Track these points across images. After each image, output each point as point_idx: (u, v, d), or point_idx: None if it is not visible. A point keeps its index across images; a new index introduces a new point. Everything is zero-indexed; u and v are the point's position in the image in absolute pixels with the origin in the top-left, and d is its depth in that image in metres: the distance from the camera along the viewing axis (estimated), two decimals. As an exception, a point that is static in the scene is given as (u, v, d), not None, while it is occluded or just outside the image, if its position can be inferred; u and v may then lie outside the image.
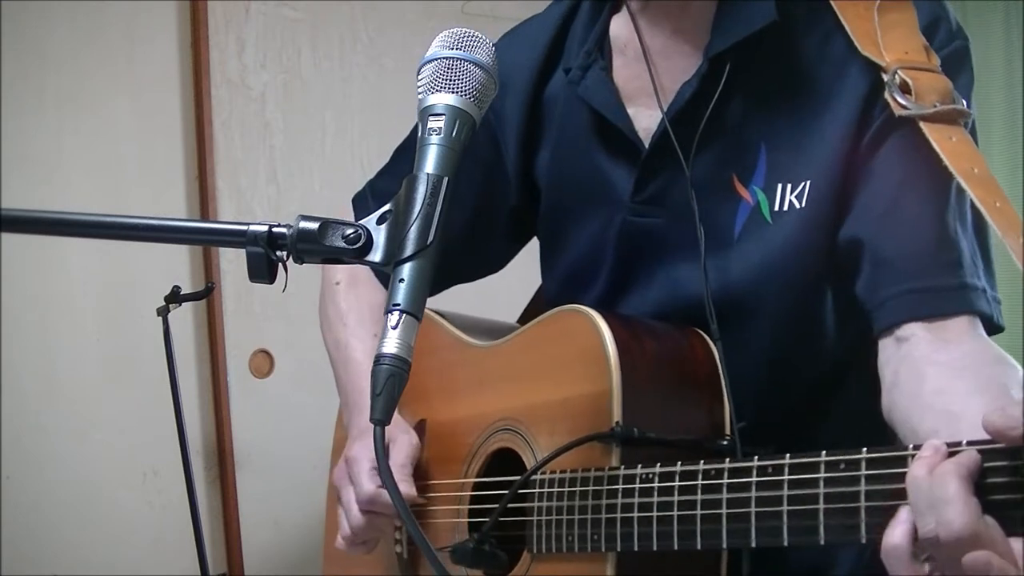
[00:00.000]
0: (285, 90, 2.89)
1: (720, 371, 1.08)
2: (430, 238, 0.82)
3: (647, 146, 1.15)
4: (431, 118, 0.88)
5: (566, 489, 1.06)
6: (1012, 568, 0.68)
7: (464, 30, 0.92)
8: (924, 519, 0.73)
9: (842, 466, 0.81)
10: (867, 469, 0.79)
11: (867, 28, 1.06)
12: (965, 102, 1.01)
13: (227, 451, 2.75)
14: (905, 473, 0.76)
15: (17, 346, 2.50)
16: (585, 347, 1.08)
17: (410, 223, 0.82)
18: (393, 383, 0.78)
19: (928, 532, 0.72)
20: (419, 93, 0.90)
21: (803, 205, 1.08)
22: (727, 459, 0.91)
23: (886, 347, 1.03)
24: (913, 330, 1.00)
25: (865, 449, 0.80)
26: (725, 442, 1.05)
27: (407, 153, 1.39)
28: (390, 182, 1.38)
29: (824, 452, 0.83)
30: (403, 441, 1.26)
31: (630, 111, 1.17)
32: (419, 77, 0.91)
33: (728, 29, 1.10)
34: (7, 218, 0.85)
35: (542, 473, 1.09)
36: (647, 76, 1.15)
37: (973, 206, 0.99)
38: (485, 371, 1.26)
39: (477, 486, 1.21)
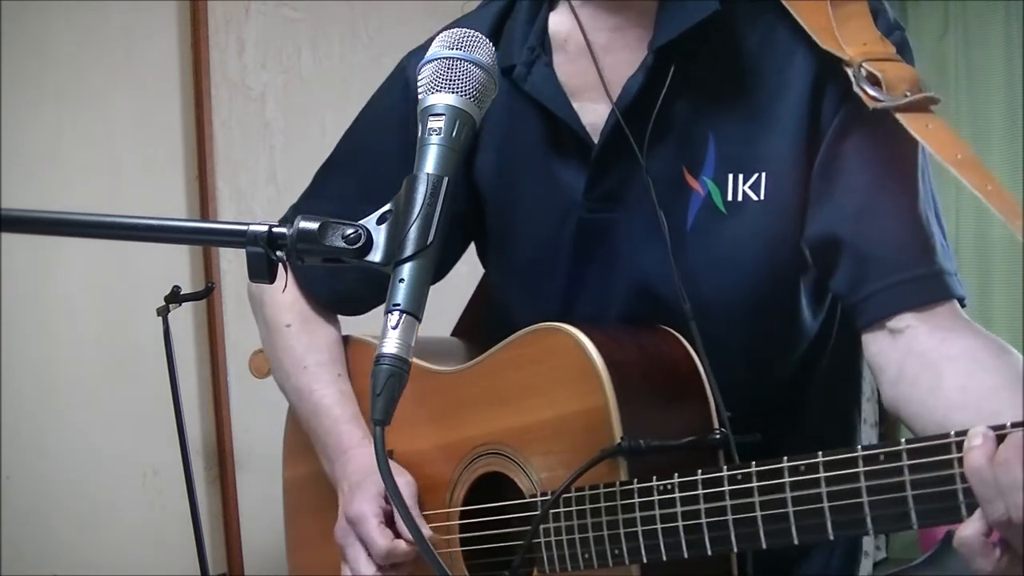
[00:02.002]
0: (285, 90, 2.89)
1: (701, 365, 1.08)
2: (430, 238, 0.82)
3: (597, 142, 1.14)
4: (431, 118, 0.88)
5: (575, 508, 1.05)
6: None
7: (464, 30, 0.92)
8: (992, 506, 0.76)
9: (882, 458, 0.83)
10: (909, 459, 0.82)
11: (823, 23, 1.06)
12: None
13: (227, 451, 2.75)
14: (952, 460, 0.79)
15: (17, 346, 2.50)
16: (571, 365, 1.07)
17: (410, 223, 0.82)
18: (393, 383, 0.77)
19: (999, 517, 0.76)
20: (419, 93, 0.90)
21: (761, 197, 1.09)
22: (753, 463, 0.92)
23: (877, 339, 1.04)
24: (907, 321, 1.01)
25: (904, 440, 0.82)
26: (718, 435, 1.05)
27: (326, 177, 1.39)
28: (315, 207, 1.33)
29: (860, 447, 0.85)
30: (401, 484, 1.22)
31: (576, 107, 1.16)
32: (419, 77, 0.91)
33: (672, 21, 1.10)
34: (7, 218, 0.85)
35: (545, 494, 1.08)
36: (592, 71, 1.15)
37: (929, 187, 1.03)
38: (457, 397, 1.23)
39: (465, 514, 1.19)
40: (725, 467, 0.94)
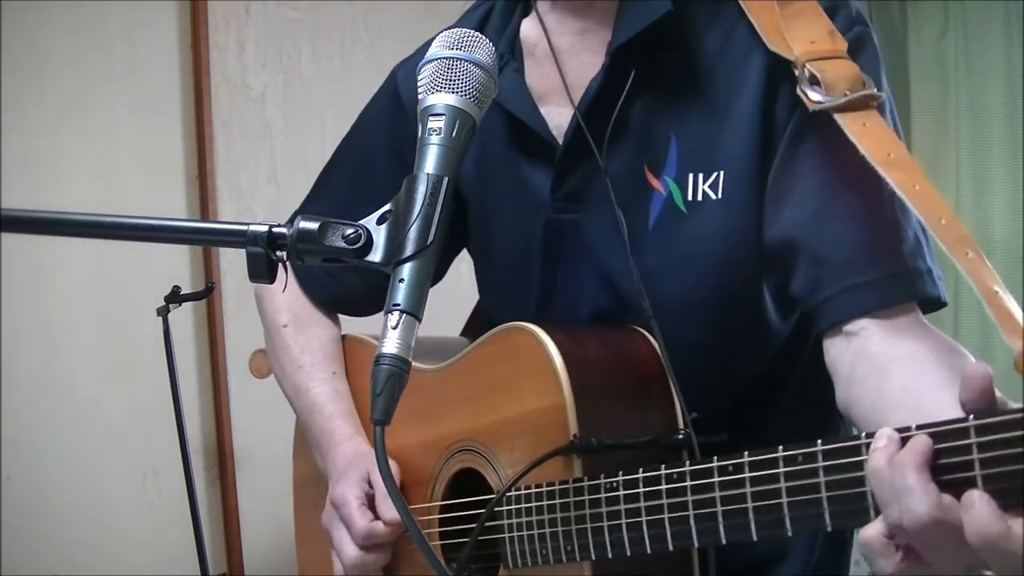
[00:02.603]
0: (285, 90, 2.89)
1: (665, 364, 1.09)
2: (430, 238, 0.82)
3: (561, 143, 1.15)
4: (431, 118, 0.88)
5: (533, 504, 1.06)
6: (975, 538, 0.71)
7: (464, 30, 0.93)
8: (889, 508, 0.76)
9: (800, 459, 0.83)
10: (824, 460, 0.81)
11: (773, 21, 1.07)
12: (876, 86, 1.01)
13: (227, 451, 2.75)
14: (861, 461, 0.79)
15: (17, 346, 2.50)
16: (532, 363, 1.08)
17: (410, 223, 0.82)
18: (393, 383, 0.78)
19: (894, 520, 0.75)
20: (419, 93, 0.90)
21: (719, 196, 1.09)
22: (687, 462, 0.93)
23: (835, 343, 1.04)
24: (862, 324, 1.01)
25: (820, 441, 0.82)
26: (680, 436, 1.06)
27: (327, 179, 1.41)
28: (322, 207, 1.35)
29: (781, 447, 0.85)
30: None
31: (543, 111, 1.17)
32: (419, 77, 0.91)
33: (628, 23, 1.11)
34: (7, 218, 0.85)
35: (508, 492, 1.10)
36: (556, 75, 1.16)
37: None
38: (437, 395, 1.25)
39: (444, 509, 1.21)
40: (663, 466, 0.94)
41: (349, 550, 1.21)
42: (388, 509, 1.19)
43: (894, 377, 0.96)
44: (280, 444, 2.77)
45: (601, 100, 1.12)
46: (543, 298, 1.21)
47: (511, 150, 1.20)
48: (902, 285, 1.02)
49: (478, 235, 1.29)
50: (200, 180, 2.77)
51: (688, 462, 0.92)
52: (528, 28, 1.21)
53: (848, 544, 1.26)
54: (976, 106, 3.61)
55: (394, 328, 0.79)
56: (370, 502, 1.21)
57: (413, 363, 1.29)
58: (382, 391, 0.78)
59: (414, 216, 0.83)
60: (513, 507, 1.09)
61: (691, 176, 1.10)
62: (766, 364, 1.18)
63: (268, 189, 2.86)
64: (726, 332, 1.14)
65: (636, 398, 1.10)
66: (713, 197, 1.09)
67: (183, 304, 2.41)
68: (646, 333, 1.12)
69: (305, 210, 1.40)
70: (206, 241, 0.97)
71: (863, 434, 0.80)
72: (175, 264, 2.71)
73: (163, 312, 2.38)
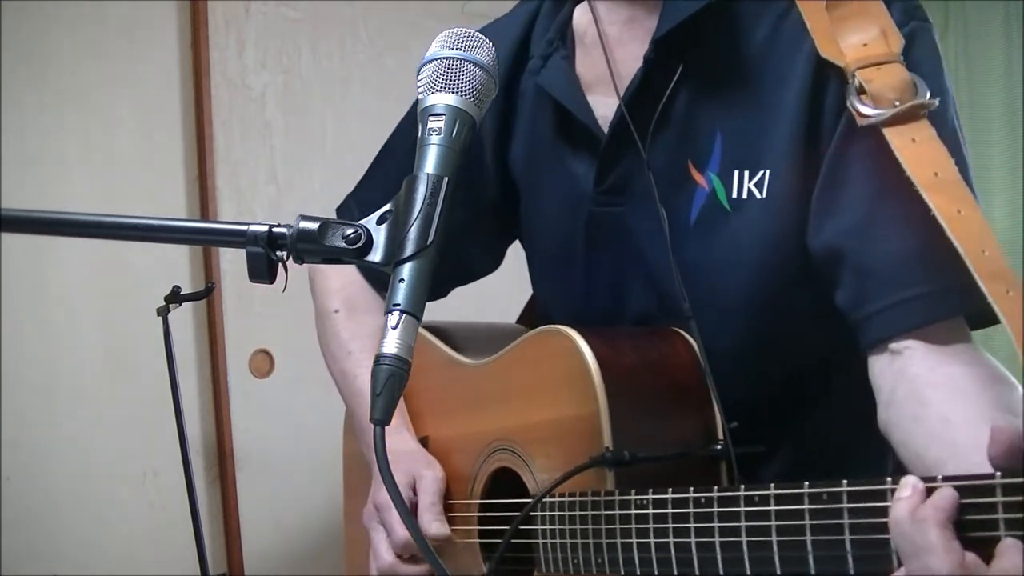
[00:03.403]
0: (285, 90, 2.89)
1: (705, 370, 1.07)
2: (430, 238, 0.82)
3: (606, 134, 1.14)
4: (431, 118, 0.88)
5: (567, 512, 1.05)
6: None
7: (464, 30, 0.92)
8: (910, 563, 0.73)
9: (825, 497, 0.81)
10: (849, 502, 0.79)
11: (823, 20, 1.03)
12: (931, 88, 0.97)
13: (227, 451, 2.75)
14: (886, 508, 0.76)
15: (17, 346, 2.50)
16: (569, 368, 1.08)
17: (410, 223, 0.82)
18: (393, 383, 0.77)
19: (915, 572, 0.73)
20: (419, 93, 0.90)
21: (764, 195, 1.07)
22: (715, 488, 0.90)
23: (879, 360, 1.01)
24: (907, 343, 0.98)
25: (845, 481, 0.80)
26: (718, 447, 1.04)
27: (385, 160, 1.38)
28: (372, 190, 1.36)
29: (807, 483, 0.82)
30: (429, 478, 1.23)
31: (590, 100, 1.16)
32: (419, 77, 0.91)
33: (672, 13, 1.09)
34: (7, 218, 0.85)
35: (542, 500, 1.08)
36: (604, 64, 1.15)
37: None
38: (478, 390, 1.25)
39: (483, 507, 1.21)
40: (692, 489, 0.92)
41: (385, 556, 1.20)
42: (430, 522, 1.18)
43: (932, 406, 0.93)
44: (280, 444, 2.79)
45: (644, 91, 1.10)
46: (587, 290, 1.20)
47: (557, 138, 1.19)
48: (952, 299, 0.97)
49: (526, 222, 1.28)
50: (200, 180, 2.77)
51: (716, 488, 0.90)
52: (580, 15, 1.19)
53: None
54: (976, 106, 3.60)
55: (394, 328, 0.78)
56: (413, 508, 1.20)
57: (457, 356, 1.31)
58: (382, 391, 0.77)
59: (414, 216, 0.82)
60: (547, 513, 1.08)
61: (736, 172, 1.08)
62: (803, 370, 1.15)
63: (268, 189, 2.86)
64: (764, 335, 1.11)
65: (672, 406, 1.08)
66: (758, 196, 1.07)
67: (183, 304, 2.41)
68: (685, 335, 1.10)
69: (359, 192, 1.39)
70: (206, 241, 0.96)
71: (888, 479, 0.77)
72: (175, 264, 2.71)
73: (163, 312, 2.38)
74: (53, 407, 2.55)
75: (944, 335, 0.98)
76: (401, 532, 1.17)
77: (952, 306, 0.98)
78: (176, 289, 2.38)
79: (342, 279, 1.39)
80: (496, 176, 1.28)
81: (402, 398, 1.32)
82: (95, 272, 2.63)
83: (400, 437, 1.28)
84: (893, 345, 0.99)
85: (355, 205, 1.38)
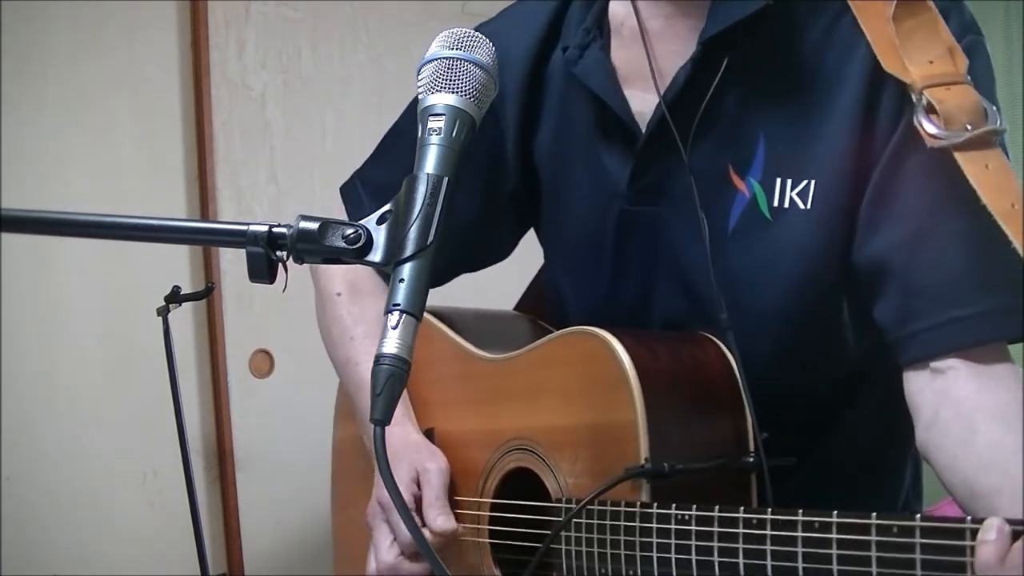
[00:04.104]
0: (285, 90, 2.89)
1: (740, 380, 1.05)
2: (430, 238, 0.82)
3: (644, 132, 1.12)
4: (431, 118, 0.87)
5: (596, 522, 1.03)
6: None
7: (464, 30, 0.92)
8: None
9: (895, 531, 0.79)
10: (923, 537, 0.77)
11: (887, 35, 1.00)
12: (995, 109, 0.96)
13: (227, 451, 2.75)
14: (964, 547, 0.75)
15: (17, 346, 2.50)
16: (605, 374, 1.05)
17: (410, 223, 0.82)
18: (393, 383, 0.77)
19: None
20: (419, 93, 0.90)
21: (808, 206, 1.04)
22: (769, 509, 0.89)
23: (918, 378, 0.99)
24: (950, 363, 0.97)
25: (919, 516, 0.78)
26: (751, 459, 1.03)
27: (394, 142, 1.34)
28: (378, 171, 1.33)
29: (874, 514, 0.81)
30: (433, 471, 1.21)
31: (626, 93, 1.13)
32: (419, 77, 0.91)
33: (723, 13, 1.07)
34: (7, 218, 0.85)
35: (570, 502, 1.07)
36: (643, 58, 1.12)
37: None
38: (496, 385, 1.23)
39: (496, 507, 1.19)
40: (742, 508, 0.90)
41: (387, 555, 1.19)
42: (436, 517, 1.16)
43: (982, 433, 0.92)
44: (280, 444, 2.79)
45: (688, 91, 1.08)
46: (613, 289, 1.18)
47: (590, 130, 1.17)
48: (990, 324, 0.96)
49: (549, 214, 1.26)
50: (200, 180, 2.77)
51: (770, 509, 0.88)
52: (617, 6, 1.16)
53: None
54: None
55: (394, 328, 0.78)
56: (418, 505, 1.18)
57: (473, 348, 1.29)
58: (382, 391, 0.77)
59: (414, 216, 0.82)
60: (573, 521, 1.05)
61: (778, 180, 1.05)
62: (832, 383, 1.13)
63: (268, 189, 2.86)
64: (796, 346, 1.09)
65: (706, 415, 1.06)
66: (801, 206, 1.05)
67: (183, 304, 2.41)
68: (720, 344, 1.08)
69: (366, 172, 1.36)
70: (206, 241, 0.97)
71: (968, 519, 0.76)
72: (175, 264, 2.70)
73: (163, 312, 2.37)
74: (53, 407, 2.55)
75: (988, 356, 0.96)
76: (407, 532, 1.15)
77: (1001, 329, 0.97)
78: (176, 289, 2.38)
79: None
80: (518, 165, 1.25)
81: (406, 390, 1.31)
82: (95, 272, 2.63)
83: (403, 428, 1.26)
84: (935, 364, 0.97)
85: (361, 185, 1.35)
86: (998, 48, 3.57)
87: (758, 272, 1.08)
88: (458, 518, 1.21)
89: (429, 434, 1.30)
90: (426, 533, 1.15)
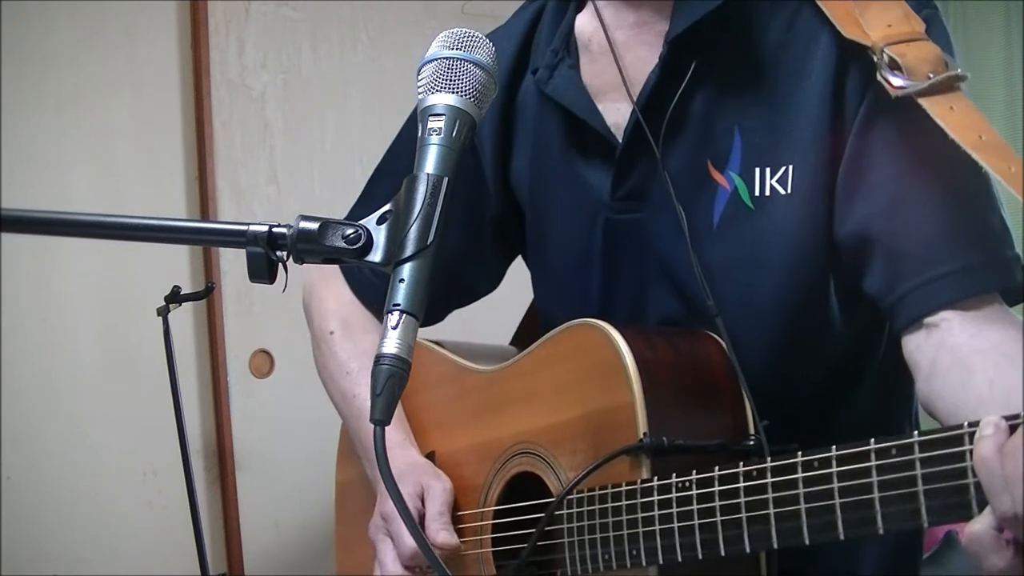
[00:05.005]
0: (285, 90, 2.89)
1: (736, 368, 1.05)
2: (430, 238, 0.82)
3: (620, 141, 1.13)
4: (431, 118, 0.88)
5: (597, 507, 1.03)
6: None
7: (464, 30, 0.92)
8: (999, 499, 0.72)
9: (894, 452, 0.79)
10: (921, 452, 0.78)
11: (846, 8, 1.03)
12: (958, 65, 0.97)
13: (227, 451, 2.75)
14: (963, 452, 0.75)
15: (17, 346, 2.50)
16: (601, 361, 1.05)
17: (410, 223, 0.82)
18: (393, 383, 0.77)
19: (1006, 511, 0.72)
20: (419, 93, 0.90)
21: (789, 191, 1.06)
22: (768, 458, 0.89)
23: (914, 337, 1.00)
24: (943, 315, 0.98)
25: (916, 432, 0.79)
26: (751, 442, 1.03)
27: (381, 181, 1.36)
28: (366, 211, 1.35)
29: (872, 440, 0.81)
30: (437, 488, 1.21)
31: (600, 107, 1.14)
32: (419, 77, 0.91)
33: (686, 12, 1.08)
34: (7, 218, 0.85)
35: (570, 494, 1.07)
36: (614, 70, 1.13)
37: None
38: (494, 396, 1.22)
39: (498, 514, 1.19)
40: (741, 464, 0.91)
41: (392, 568, 1.18)
42: (438, 531, 1.16)
43: (979, 371, 0.93)
44: (280, 444, 2.79)
45: (659, 93, 1.09)
46: (605, 301, 1.18)
47: (567, 149, 1.18)
48: (987, 275, 0.98)
49: (534, 237, 1.26)
50: (200, 180, 2.77)
51: (769, 458, 0.89)
52: (583, 23, 1.18)
53: (919, 558, 1.21)
54: (976, 106, 3.60)
55: (394, 328, 0.78)
56: (421, 519, 1.18)
57: (468, 363, 1.29)
58: (382, 391, 0.77)
59: (414, 216, 0.82)
60: (574, 510, 1.05)
61: (757, 170, 1.07)
62: (828, 369, 1.14)
63: (268, 189, 2.86)
64: (793, 332, 1.10)
65: (705, 401, 1.06)
66: (782, 192, 1.06)
67: (183, 304, 2.41)
68: (715, 336, 1.09)
69: (356, 211, 1.36)
70: (206, 241, 0.97)
71: (965, 423, 0.76)
72: (175, 264, 2.70)
73: (163, 312, 2.37)
74: (53, 407, 2.55)
75: (982, 306, 0.97)
76: (409, 542, 1.15)
77: (988, 281, 0.98)
78: (176, 289, 2.38)
79: (338, 300, 1.36)
80: (497, 192, 1.27)
81: (405, 415, 1.31)
82: (95, 272, 2.63)
83: (404, 452, 1.26)
84: (929, 320, 0.98)
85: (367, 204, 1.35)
86: (998, 48, 3.58)
87: (747, 262, 1.09)
88: (461, 533, 1.20)
89: (430, 458, 1.30)
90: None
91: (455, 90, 0.88)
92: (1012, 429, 0.73)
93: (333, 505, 1.49)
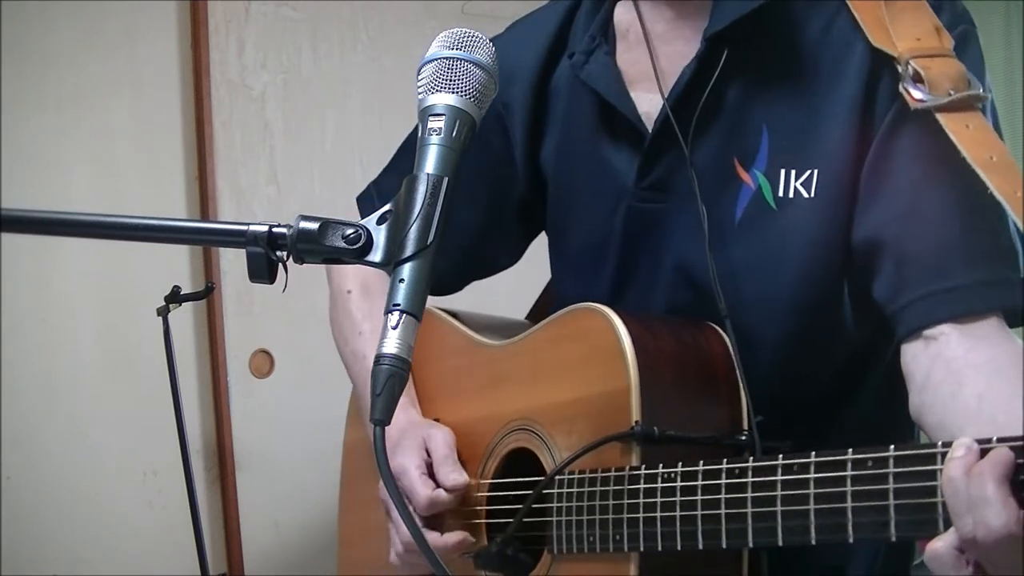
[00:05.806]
0: (285, 90, 2.89)
1: (736, 364, 1.06)
2: (430, 238, 0.82)
3: (650, 131, 1.14)
4: (431, 118, 0.87)
5: (586, 489, 1.05)
6: None
7: (464, 30, 0.92)
8: (962, 520, 0.73)
9: (870, 464, 0.81)
10: (896, 467, 0.79)
11: (877, 16, 1.04)
12: (981, 85, 0.98)
13: (227, 451, 2.75)
14: (935, 471, 0.76)
15: (17, 346, 2.50)
16: (601, 345, 1.07)
17: (410, 223, 0.82)
18: (393, 383, 0.78)
19: (967, 533, 0.73)
20: (419, 93, 0.90)
21: (812, 195, 1.06)
22: (750, 457, 0.91)
23: (912, 347, 1.00)
24: (942, 329, 0.98)
25: (892, 447, 0.80)
26: (744, 437, 1.04)
27: (411, 150, 1.38)
28: (395, 180, 1.36)
29: (851, 450, 0.83)
30: (439, 436, 1.24)
31: (632, 95, 1.16)
32: (419, 77, 0.91)
33: (725, 10, 1.09)
34: (7, 218, 0.85)
35: (561, 473, 1.08)
36: (648, 60, 1.15)
37: None
38: (499, 371, 1.25)
39: (494, 487, 1.21)
40: (725, 461, 0.92)
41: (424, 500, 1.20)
42: (448, 474, 1.19)
43: (970, 385, 0.93)
44: (280, 444, 2.79)
45: (692, 88, 1.10)
46: (618, 285, 1.20)
47: (597, 133, 1.19)
48: (991, 294, 0.98)
49: (555, 215, 1.28)
50: (200, 180, 2.77)
51: (752, 458, 0.91)
52: (622, 12, 1.20)
53: (910, 561, 1.22)
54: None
55: (394, 328, 0.79)
56: (429, 469, 1.21)
57: (476, 336, 1.31)
58: (382, 391, 0.77)
59: (414, 216, 0.82)
60: (564, 490, 1.07)
61: (783, 171, 1.08)
62: (835, 371, 1.15)
63: (268, 189, 2.86)
64: (801, 334, 1.11)
65: (702, 393, 1.07)
66: (805, 195, 1.07)
67: (183, 304, 2.41)
68: (719, 329, 1.10)
69: (382, 179, 1.39)
70: (206, 241, 0.97)
71: (939, 443, 0.77)
72: (175, 264, 2.71)
73: (163, 312, 2.38)
74: (53, 407, 2.55)
75: (980, 323, 0.98)
76: (423, 492, 1.18)
77: (992, 300, 0.98)
78: (176, 289, 2.38)
79: None
80: (526, 173, 1.29)
81: (413, 381, 1.32)
82: (95, 272, 2.63)
83: (406, 414, 1.29)
84: (928, 332, 0.99)
85: (376, 193, 1.38)
86: (998, 48, 3.57)
87: (766, 262, 1.09)
88: (458, 503, 1.22)
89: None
90: (442, 493, 1.18)
91: (455, 90, 0.88)
92: (983, 453, 0.74)
93: (332, 504, 1.49)
